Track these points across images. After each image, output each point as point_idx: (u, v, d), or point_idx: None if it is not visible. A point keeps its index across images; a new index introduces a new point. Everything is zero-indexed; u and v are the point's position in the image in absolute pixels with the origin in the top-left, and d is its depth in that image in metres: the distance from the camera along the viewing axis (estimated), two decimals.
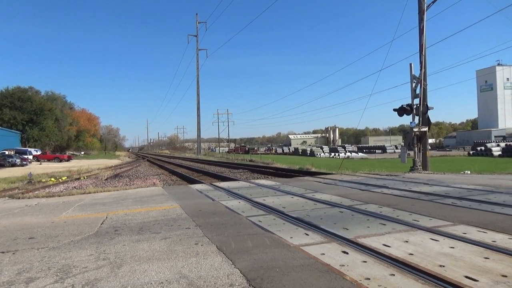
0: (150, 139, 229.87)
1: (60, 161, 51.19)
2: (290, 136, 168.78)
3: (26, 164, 39.33)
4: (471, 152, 54.08)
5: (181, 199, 9.35)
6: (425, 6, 16.69)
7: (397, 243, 4.51)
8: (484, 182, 10.69)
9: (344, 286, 3.26)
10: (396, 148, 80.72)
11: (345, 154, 60.47)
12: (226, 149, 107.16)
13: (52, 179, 19.59)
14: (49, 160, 51.16)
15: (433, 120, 18.00)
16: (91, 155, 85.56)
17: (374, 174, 15.07)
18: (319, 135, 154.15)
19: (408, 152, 17.96)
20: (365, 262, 3.88)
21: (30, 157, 45.73)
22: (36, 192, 13.00)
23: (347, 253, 4.20)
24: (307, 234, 5.15)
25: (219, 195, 9.88)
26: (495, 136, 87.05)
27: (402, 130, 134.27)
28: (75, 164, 39.41)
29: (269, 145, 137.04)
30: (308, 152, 73.80)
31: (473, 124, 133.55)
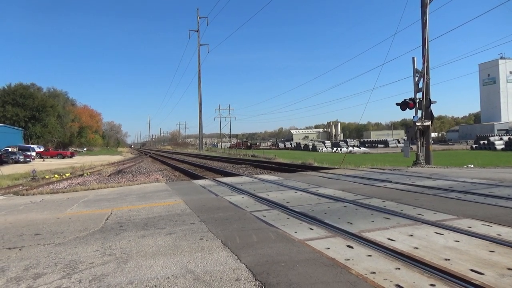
0: (152, 135, 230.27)
1: (63, 157, 51.29)
2: (292, 131, 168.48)
3: (29, 161, 39.49)
4: (474, 146, 53.98)
5: (185, 195, 9.38)
6: (428, 0, 16.56)
7: (401, 237, 4.52)
8: (487, 175, 10.67)
9: (350, 280, 3.27)
10: (399, 142, 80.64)
11: (347, 148, 60.44)
12: (228, 144, 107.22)
13: (56, 175, 19.66)
14: (52, 157, 51.29)
15: (435, 114, 17.91)
16: (93, 151, 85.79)
17: (377, 168, 15.06)
18: (321, 130, 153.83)
19: (411, 146, 17.92)
20: (370, 256, 3.89)
21: (33, 153, 45.91)
22: (40, 188, 13.06)
23: (352, 247, 4.21)
24: (312, 229, 5.16)
25: (223, 191, 9.90)
26: (498, 130, 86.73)
27: (404, 125, 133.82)
28: (78, 161, 39.53)
29: (272, 140, 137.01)
30: (310, 147, 73.77)
31: (476, 117, 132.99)
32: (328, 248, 4.20)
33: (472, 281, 3.10)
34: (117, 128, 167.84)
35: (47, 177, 18.98)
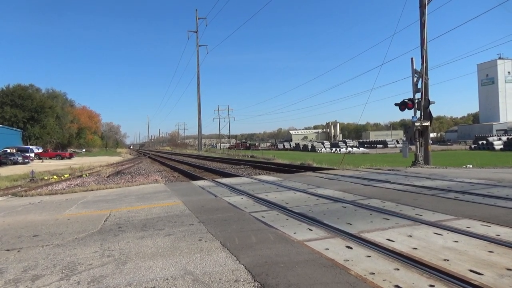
0: (151, 135, 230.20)
1: (62, 158, 51.23)
2: (291, 131, 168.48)
3: (28, 162, 39.41)
4: (472, 146, 54.06)
5: (184, 196, 9.37)
6: (426, 0, 16.60)
7: (401, 238, 4.52)
8: (486, 176, 10.68)
9: (349, 281, 3.27)
10: (398, 142, 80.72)
11: (346, 149, 60.42)
12: (227, 145, 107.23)
13: (55, 176, 19.62)
14: (50, 158, 51.22)
15: (434, 115, 17.97)
16: (92, 152, 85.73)
17: (376, 169, 15.06)
18: (320, 130, 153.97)
19: (409, 146, 17.94)
20: (369, 256, 3.88)
21: (32, 155, 45.86)
22: (38, 190, 13.03)
23: (351, 248, 4.20)
24: (311, 230, 5.16)
25: (222, 191, 9.89)
26: (496, 130, 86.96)
27: (403, 125, 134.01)
28: (77, 162, 39.48)
29: (271, 141, 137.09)
30: (309, 147, 73.84)
31: (475, 118, 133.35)
32: (327, 249, 4.20)
33: (471, 282, 3.10)
34: (116, 129, 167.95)
35: (45, 178, 18.95)
